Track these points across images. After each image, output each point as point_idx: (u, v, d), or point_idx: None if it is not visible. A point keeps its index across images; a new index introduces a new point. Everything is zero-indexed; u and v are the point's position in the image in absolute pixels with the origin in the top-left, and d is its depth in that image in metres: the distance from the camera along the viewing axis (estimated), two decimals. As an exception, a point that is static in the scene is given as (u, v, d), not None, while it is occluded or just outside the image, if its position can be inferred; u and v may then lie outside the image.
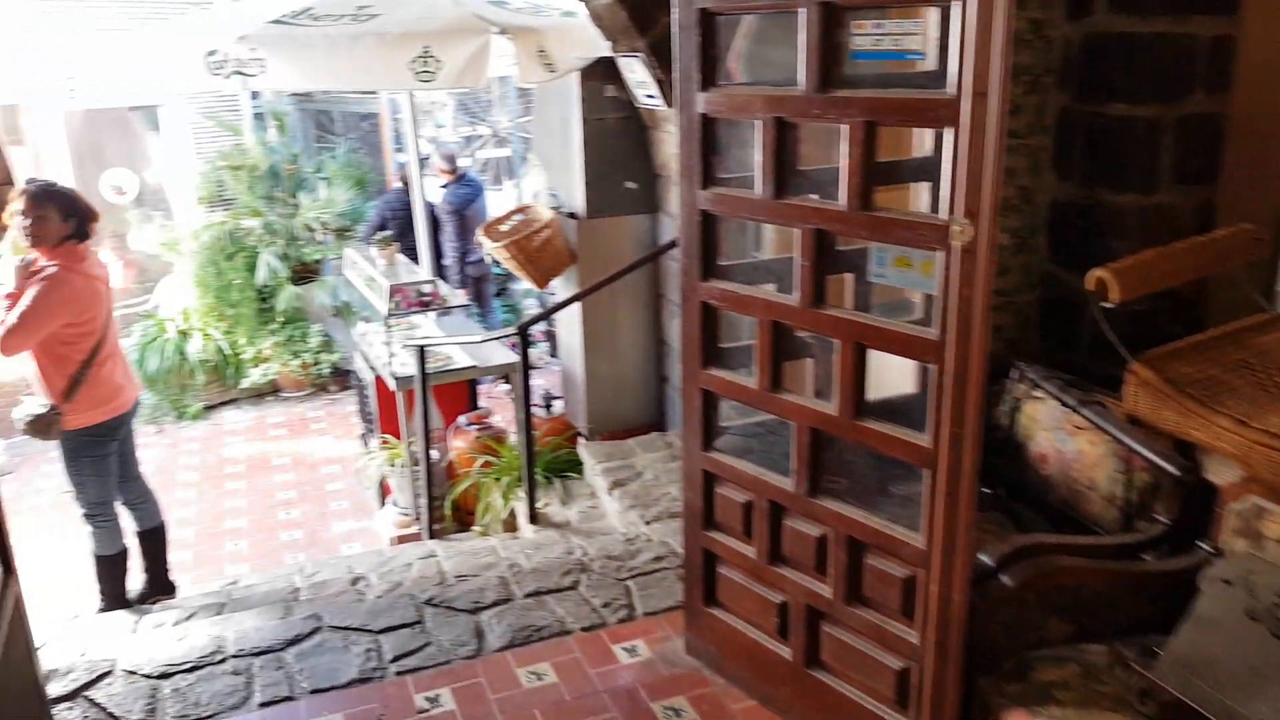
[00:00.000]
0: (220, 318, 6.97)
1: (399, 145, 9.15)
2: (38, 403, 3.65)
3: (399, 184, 7.43)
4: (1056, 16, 2.86)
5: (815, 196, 2.17)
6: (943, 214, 1.80)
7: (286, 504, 5.51)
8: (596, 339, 4.61)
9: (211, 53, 3.97)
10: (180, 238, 6.98)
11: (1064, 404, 2.50)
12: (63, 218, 3.56)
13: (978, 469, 1.87)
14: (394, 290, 4.46)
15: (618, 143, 4.39)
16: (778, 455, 2.27)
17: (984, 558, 2.00)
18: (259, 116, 7.31)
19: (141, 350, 6.79)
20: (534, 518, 4.09)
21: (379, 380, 4.97)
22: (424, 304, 4.54)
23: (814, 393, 2.37)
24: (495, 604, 2.96)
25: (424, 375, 4.47)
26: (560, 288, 4.83)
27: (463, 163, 7.71)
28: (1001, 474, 2.65)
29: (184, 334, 6.89)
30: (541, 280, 4.51)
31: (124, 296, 8.04)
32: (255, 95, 7.13)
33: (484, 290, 7.29)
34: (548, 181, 5.00)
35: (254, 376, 7.03)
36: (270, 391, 7.26)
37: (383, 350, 4.75)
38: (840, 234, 2.02)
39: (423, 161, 7.09)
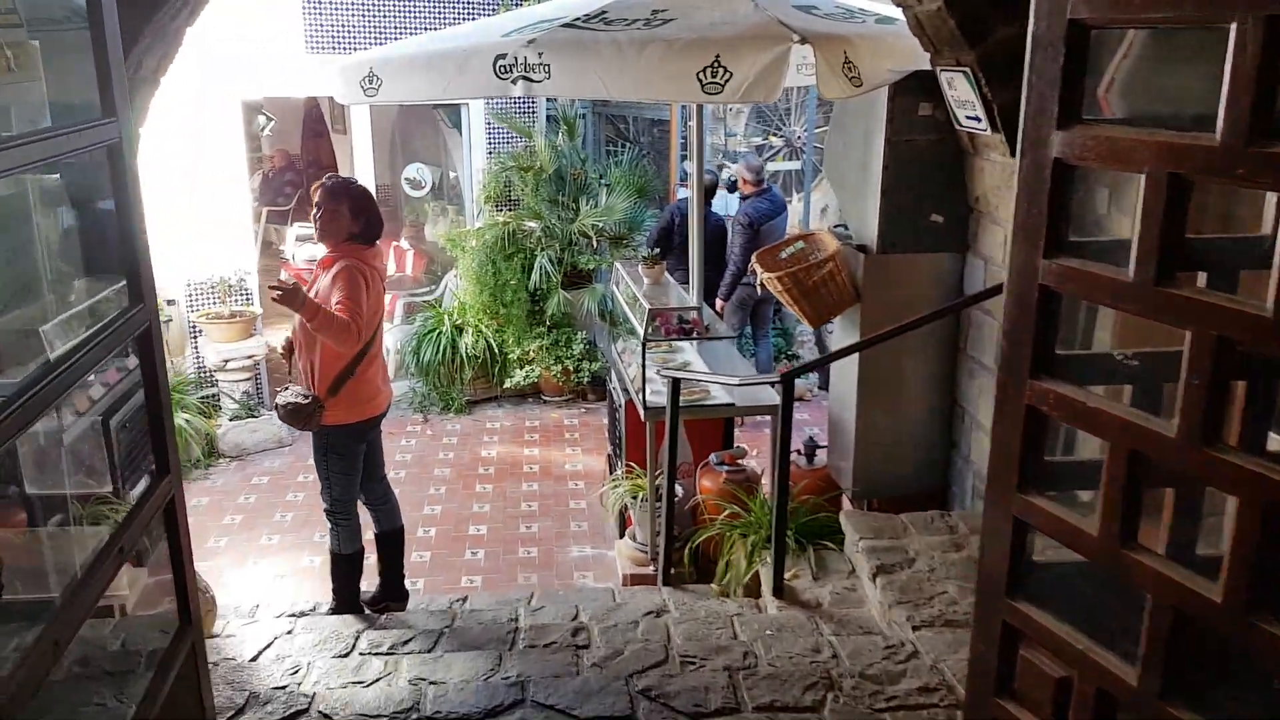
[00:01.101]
0: (492, 316, 7.17)
1: (685, 153, 9.07)
2: (299, 392, 3.76)
3: (685, 193, 7.28)
4: None
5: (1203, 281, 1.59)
6: None
7: (528, 516, 5.49)
8: (875, 386, 4.11)
9: (501, 56, 3.92)
10: (466, 234, 7.25)
11: None
12: (352, 216, 3.67)
13: None
14: (654, 314, 4.22)
15: (926, 169, 3.86)
16: (1117, 622, 1.70)
17: None
18: (551, 120, 7.44)
19: (419, 340, 7.14)
20: (780, 589, 3.67)
21: (630, 404, 4.77)
22: (684, 331, 4.26)
23: (1172, 541, 1.77)
24: (719, 714, 2.59)
25: (676, 408, 4.19)
26: (840, 325, 4.37)
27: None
28: None
29: (458, 328, 7.15)
30: (817, 319, 4.08)
31: (412, 285, 8.58)
32: (551, 99, 7.28)
33: (762, 313, 6.94)
34: (839, 208, 4.54)
35: (517, 377, 7.17)
36: (532, 393, 7.38)
37: (637, 375, 4.53)
38: (1261, 351, 1.43)
39: (712, 174, 6.92)
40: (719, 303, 6.66)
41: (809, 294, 3.94)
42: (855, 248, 4.08)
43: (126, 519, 1.92)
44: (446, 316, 7.19)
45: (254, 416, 6.43)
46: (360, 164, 7.04)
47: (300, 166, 11.98)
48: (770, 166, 9.52)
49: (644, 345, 4.23)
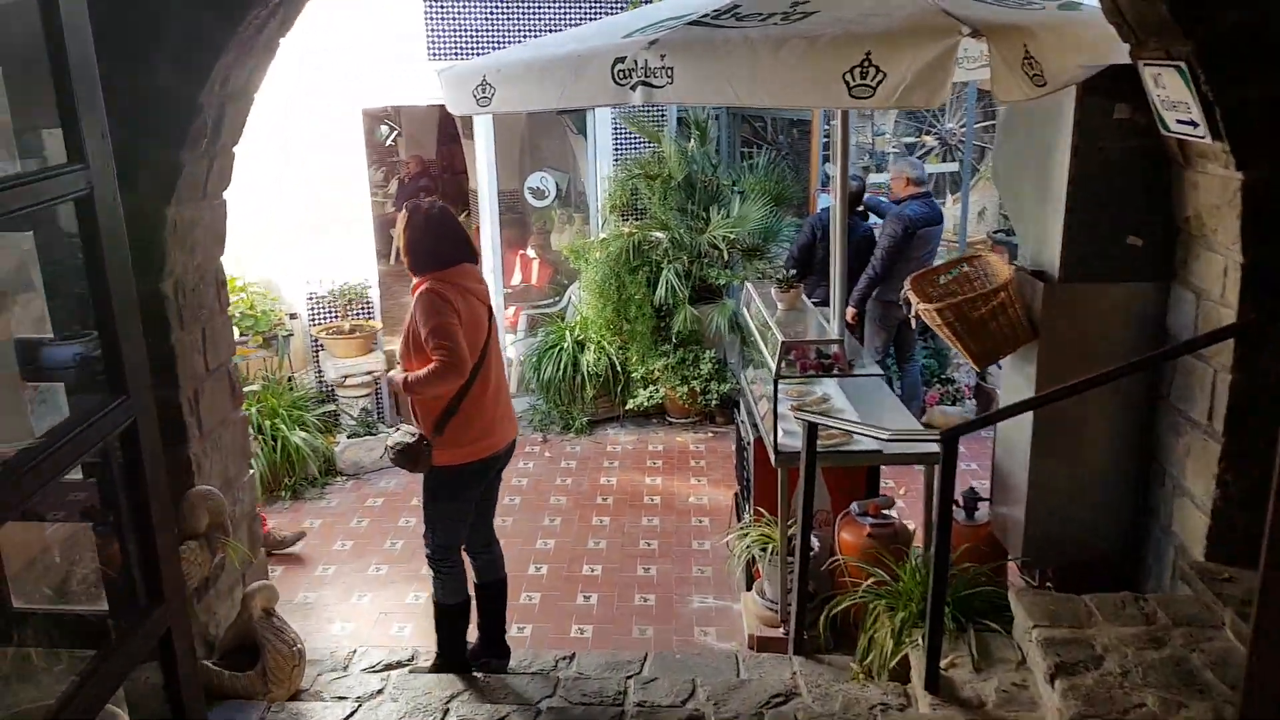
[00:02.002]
0: (616, 332, 6.86)
1: (828, 154, 8.51)
2: (409, 431, 3.52)
3: (827, 201, 6.79)
4: None
5: None
6: None
7: (647, 556, 5.13)
8: (1052, 432, 3.55)
9: (619, 60, 3.57)
10: (589, 245, 6.96)
11: None
12: (424, 240, 3.43)
13: None
14: (788, 347, 3.77)
15: (1121, 182, 3.28)
16: None
17: None
18: (681, 123, 7.07)
19: (540, 355, 6.90)
20: (934, 681, 3.16)
21: (759, 442, 4.33)
22: (823, 367, 3.79)
23: None
24: None
25: (813, 455, 3.74)
26: (1010, 359, 3.80)
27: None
28: None
29: (580, 344, 6.88)
30: (983, 359, 3.54)
31: (537, 295, 8.38)
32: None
33: (908, 332, 6.35)
34: (1019, 230, 3.98)
35: (641, 397, 6.84)
36: (656, 413, 7.03)
37: (768, 413, 4.10)
38: None
39: (858, 180, 6.37)
40: (849, 311, 6.11)
41: (975, 330, 3.41)
42: (1031, 273, 3.52)
43: (94, 663, 1.55)
44: (568, 331, 6.92)
45: (372, 434, 6.33)
46: (481, 171, 6.86)
47: (435, 172, 12.07)
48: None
49: (775, 384, 3.79)
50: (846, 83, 2.92)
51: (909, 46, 2.86)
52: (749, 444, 4.52)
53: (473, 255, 3.60)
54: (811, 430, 3.69)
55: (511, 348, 7.46)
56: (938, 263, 6.17)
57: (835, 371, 3.77)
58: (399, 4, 6.22)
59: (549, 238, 9.20)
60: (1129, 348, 3.36)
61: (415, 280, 3.49)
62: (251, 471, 3.67)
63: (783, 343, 3.75)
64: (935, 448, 3.26)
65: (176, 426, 3.03)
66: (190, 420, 3.10)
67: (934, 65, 2.83)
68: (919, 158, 9.21)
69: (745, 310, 4.86)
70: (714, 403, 6.82)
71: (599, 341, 6.84)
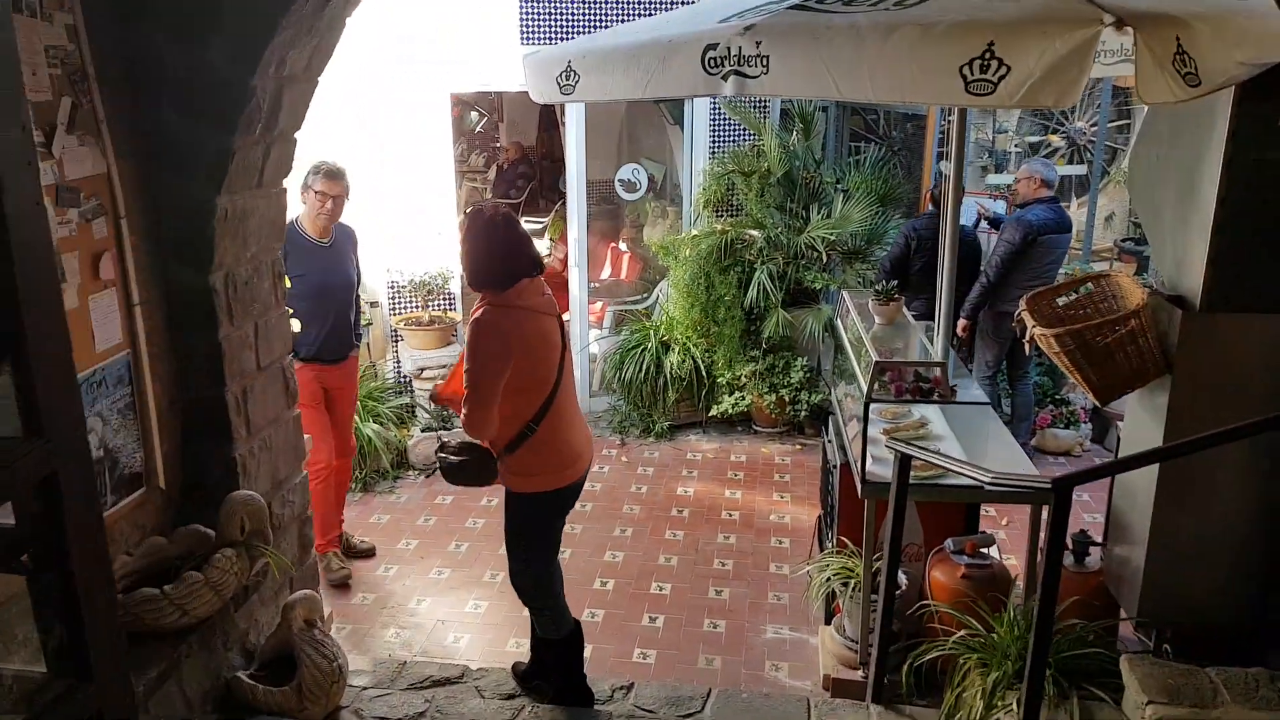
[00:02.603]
0: (702, 334, 6.60)
1: (942, 151, 8.03)
2: (464, 443, 3.29)
3: (932, 206, 6.40)
4: None
5: None
6: None
7: (720, 577, 4.87)
8: (1178, 480, 3.17)
9: (711, 47, 3.30)
10: (679, 241, 6.71)
11: None
12: (480, 254, 3.15)
13: None
14: (883, 368, 3.46)
15: (1281, 200, 2.85)
16: None
17: None
18: (785, 115, 6.74)
19: (622, 354, 6.69)
20: (1027, 755, 2.82)
21: (845, 468, 4.01)
22: (922, 392, 3.46)
23: None
24: None
25: (904, 488, 3.42)
26: (1136, 397, 3.40)
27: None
28: None
29: (664, 345, 6.64)
30: (1106, 393, 3.16)
31: (628, 291, 8.17)
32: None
33: (1021, 351, 5.89)
34: (1155, 248, 3.58)
35: (725, 404, 6.56)
36: (741, 421, 6.75)
37: (856, 436, 3.78)
38: None
39: (997, 190, 5.94)
40: (960, 323, 5.70)
41: (1098, 360, 3.03)
42: (1167, 298, 3.12)
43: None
44: (652, 331, 6.68)
45: (446, 429, 6.22)
46: (570, 160, 6.67)
47: (534, 159, 11.99)
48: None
49: (866, 407, 3.47)
50: (964, 76, 2.60)
51: (1039, 37, 2.52)
52: (835, 467, 4.20)
53: (536, 267, 3.27)
54: (904, 461, 3.37)
55: (595, 344, 7.27)
56: (1061, 276, 5.70)
57: (935, 397, 3.43)
58: (494, -14, 6.07)
59: (642, 231, 8.98)
60: (1278, 391, 2.94)
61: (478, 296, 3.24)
62: (304, 473, 3.54)
63: (877, 362, 3.43)
64: (1047, 485, 2.89)
65: (221, 425, 2.91)
66: (236, 419, 2.98)
67: (1069, 60, 2.48)
68: (1045, 158, 8.63)
69: (839, 321, 4.54)
70: (803, 414, 6.49)
71: (684, 343, 6.59)
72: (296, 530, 3.43)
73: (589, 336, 7.16)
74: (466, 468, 3.27)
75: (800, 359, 6.55)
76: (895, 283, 4.27)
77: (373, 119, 6.00)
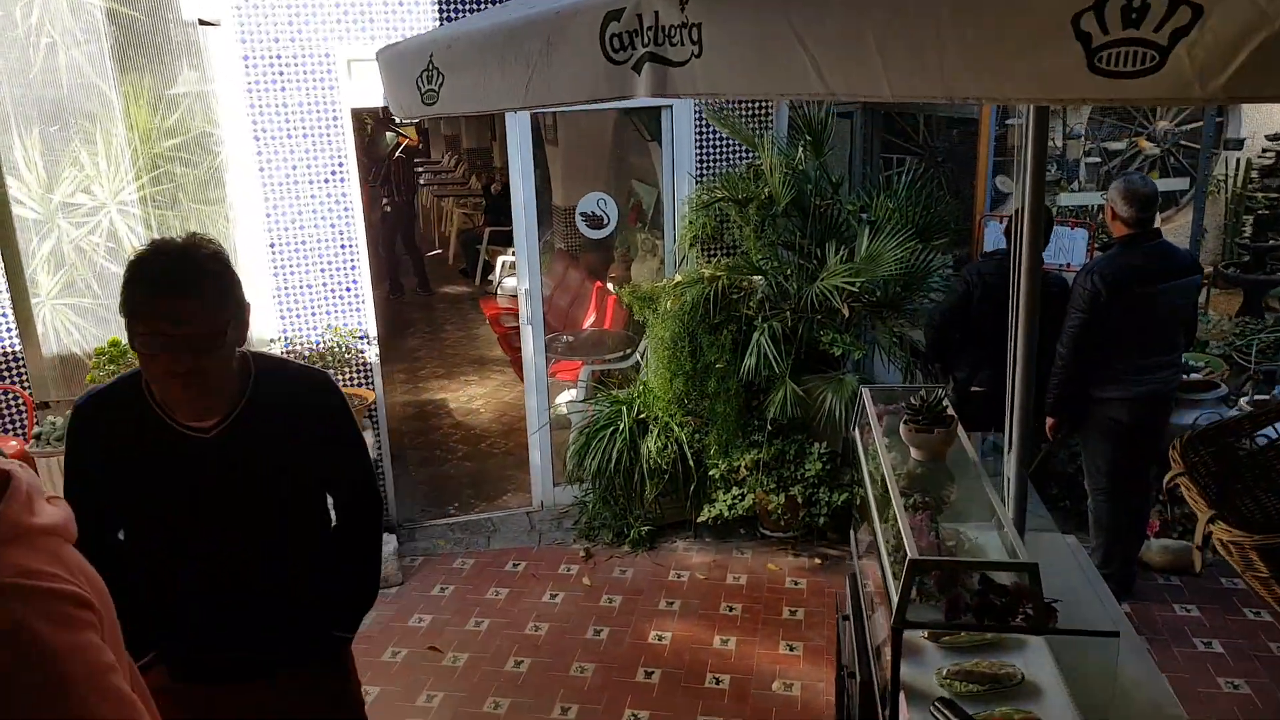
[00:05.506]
0: (689, 412, 5.19)
1: (999, 162, 6.56)
2: None
3: (995, 232, 5.01)
4: None
5: None
6: None
7: (694, 798, 3.45)
8: None
9: (614, 17, 1.99)
10: (658, 289, 5.32)
11: None
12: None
13: None
14: (921, 567, 2.04)
15: None
16: None
17: None
18: (794, 126, 5.33)
19: (586, 439, 5.30)
20: None
21: (866, 684, 2.58)
22: (994, 612, 2.03)
23: None
24: None
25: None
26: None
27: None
28: None
29: (640, 424, 5.24)
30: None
31: (611, 343, 6.77)
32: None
33: (1148, 451, 4.36)
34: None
35: (720, 504, 5.14)
36: (743, 523, 5.32)
37: (882, 659, 2.35)
38: None
39: (1074, 215, 4.46)
40: (1048, 422, 4.25)
41: None
42: None
43: None
44: (625, 407, 5.29)
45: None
46: (518, 185, 5.33)
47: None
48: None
49: (897, 635, 2.03)
50: (1084, 39, 1.20)
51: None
52: (854, 675, 2.76)
53: None
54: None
55: (575, 416, 5.84)
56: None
57: (1017, 622, 1.98)
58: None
59: (631, 269, 7.58)
60: None
61: None
62: None
63: (912, 561, 2.00)
64: None
65: None
66: None
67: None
68: (1126, 164, 7.11)
69: (856, 435, 3.11)
70: (823, 517, 5.06)
71: (666, 422, 5.19)
72: None
73: (561, 399, 5.79)
74: None
75: (817, 445, 5.11)
76: (947, 401, 2.74)
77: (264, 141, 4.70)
